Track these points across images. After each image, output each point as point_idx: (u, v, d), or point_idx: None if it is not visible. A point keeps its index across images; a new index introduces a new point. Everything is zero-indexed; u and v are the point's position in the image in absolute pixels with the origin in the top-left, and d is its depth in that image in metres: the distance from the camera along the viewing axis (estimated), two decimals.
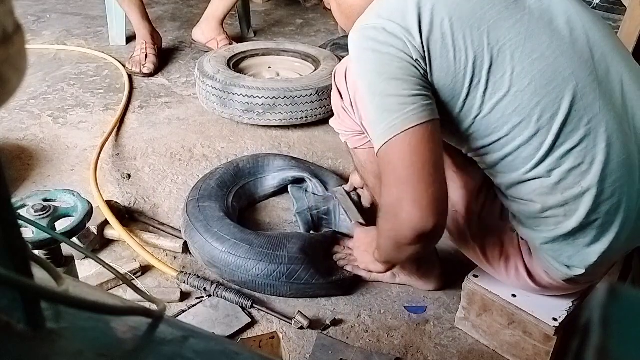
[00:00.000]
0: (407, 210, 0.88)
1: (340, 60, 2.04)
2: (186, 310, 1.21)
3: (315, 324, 1.19)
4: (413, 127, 0.87)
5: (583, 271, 0.98)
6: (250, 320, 1.19)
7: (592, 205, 0.91)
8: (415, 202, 0.87)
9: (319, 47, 2.36)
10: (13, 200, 0.42)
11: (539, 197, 0.93)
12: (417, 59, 0.89)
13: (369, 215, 1.44)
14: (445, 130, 0.96)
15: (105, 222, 1.38)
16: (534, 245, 1.01)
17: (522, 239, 1.04)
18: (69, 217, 0.92)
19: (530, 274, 1.06)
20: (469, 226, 1.08)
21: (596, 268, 0.99)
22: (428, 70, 0.90)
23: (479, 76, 0.89)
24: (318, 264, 1.26)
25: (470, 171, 1.06)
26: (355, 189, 1.48)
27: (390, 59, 0.89)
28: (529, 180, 0.93)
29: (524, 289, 1.10)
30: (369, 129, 0.97)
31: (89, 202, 0.95)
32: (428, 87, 0.90)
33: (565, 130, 0.89)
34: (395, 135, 0.87)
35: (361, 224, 1.36)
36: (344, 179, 1.58)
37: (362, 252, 1.25)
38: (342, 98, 1.13)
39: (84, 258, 1.29)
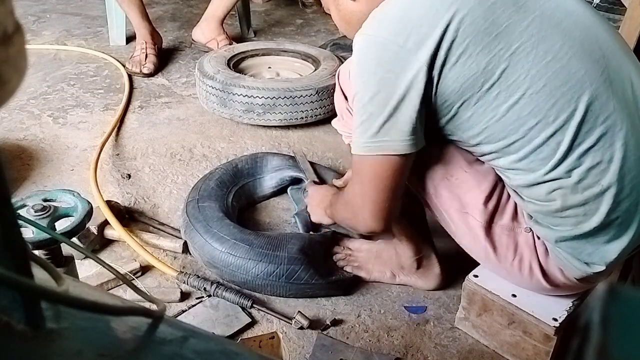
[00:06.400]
0: (364, 217, 1.04)
1: (340, 60, 2.05)
2: (186, 310, 1.21)
3: (315, 324, 1.19)
4: (384, 155, 0.96)
5: (603, 268, 0.98)
6: (250, 320, 1.19)
7: (612, 204, 0.92)
8: (372, 213, 1.03)
9: (319, 47, 2.36)
10: (13, 200, 0.42)
11: (558, 197, 0.93)
12: (418, 75, 0.89)
13: None
14: (457, 136, 0.97)
15: (105, 222, 1.38)
16: (552, 243, 1.01)
17: (539, 238, 1.04)
18: (69, 217, 0.92)
19: (545, 274, 1.05)
20: (481, 227, 1.07)
21: (614, 265, 0.99)
22: (435, 79, 0.90)
23: (492, 80, 0.89)
24: (317, 264, 1.26)
25: (482, 172, 1.05)
26: None
27: (386, 85, 0.91)
28: (548, 181, 0.93)
29: (536, 289, 1.09)
30: (352, 129, 1.01)
31: (89, 202, 0.95)
32: (417, 118, 0.92)
33: (583, 129, 0.89)
34: (368, 154, 0.97)
35: (315, 182, 1.49)
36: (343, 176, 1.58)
37: (314, 206, 1.37)
38: (346, 99, 1.13)
39: (84, 258, 1.29)
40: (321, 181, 1.54)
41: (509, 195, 1.04)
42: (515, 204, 1.04)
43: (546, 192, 0.94)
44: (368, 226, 1.05)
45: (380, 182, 0.99)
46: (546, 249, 1.03)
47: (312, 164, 1.63)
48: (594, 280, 1.03)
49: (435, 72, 0.90)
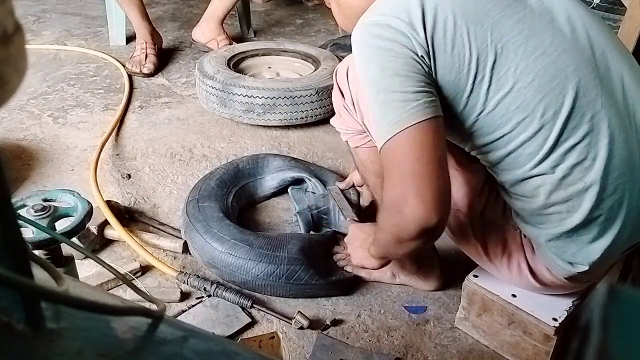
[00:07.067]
0: (412, 205, 0.88)
1: (340, 60, 2.05)
2: (186, 310, 1.21)
3: (315, 324, 1.19)
4: (417, 123, 0.87)
5: (587, 268, 0.98)
6: (250, 320, 1.19)
7: (595, 201, 0.92)
8: (419, 197, 0.87)
9: (319, 47, 2.36)
10: (13, 200, 0.42)
11: (543, 194, 0.94)
12: (421, 55, 0.89)
13: (367, 213, 1.47)
14: (449, 128, 0.97)
15: (105, 222, 1.38)
16: (538, 242, 1.01)
17: (525, 236, 1.04)
18: (69, 217, 0.92)
19: (532, 272, 1.06)
20: (471, 224, 1.08)
21: (599, 265, 0.99)
22: (432, 67, 0.90)
23: (483, 72, 0.89)
24: (318, 264, 1.26)
25: (472, 169, 1.06)
26: (353, 186, 1.50)
27: (394, 55, 0.90)
28: (533, 176, 0.93)
29: (526, 287, 1.10)
30: (371, 124, 0.97)
31: (89, 202, 0.95)
32: (432, 84, 0.91)
33: (569, 126, 0.90)
34: (399, 131, 0.87)
35: (355, 220, 1.38)
36: (344, 178, 1.58)
37: (356, 247, 1.24)
38: (343, 97, 1.13)
39: (84, 258, 1.29)
40: (359, 215, 1.43)
41: (498, 193, 1.05)
42: (505, 202, 1.04)
43: (531, 189, 0.95)
44: (418, 217, 0.88)
45: (419, 158, 0.87)
46: (533, 247, 1.04)
47: (346, 196, 1.50)
48: (583, 280, 1.03)
49: (432, 62, 0.90)
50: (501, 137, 0.93)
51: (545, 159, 0.91)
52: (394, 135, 0.88)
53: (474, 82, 0.90)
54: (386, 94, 0.89)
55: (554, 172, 0.92)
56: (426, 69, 0.90)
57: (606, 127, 0.90)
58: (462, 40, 0.89)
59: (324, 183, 1.54)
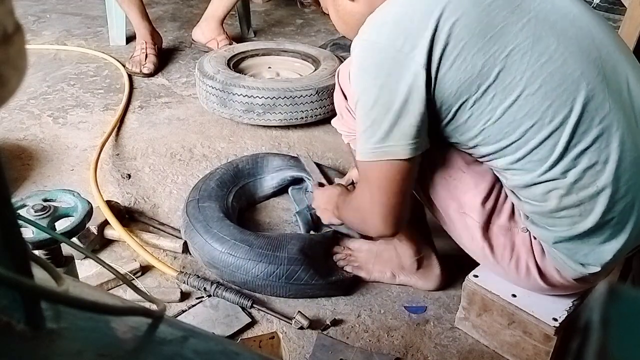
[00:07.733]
0: (374, 222, 1.04)
1: (340, 60, 2.05)
2: (186, 310, 1.21)
3: (315, 324, 1.19)
4: (393, 160, 0.95)
5: (599, 269, 0.98)
6: (250, 320, 1.19)
7: (607, 205, 0.92)
8: (382, 218, 1.02)
9: (319, 47, 2.36)
10: (13, 200, 0.42)
11: (554, 198, 0.94)
12: (417, 77, 0.89)
13: None
14: (455, 138, 0.98)
15: (105, 222, 1.38)
16: (548, 244, 1.01)
17: (535, 238, 1.04)
18: (69, 217, 0.92)
19: (541, 274, 1.05)
20: (478, 227, 1.07)
21: (610, 266, 0.99)
22: (432, 81, 0.90)
23: (488, 83, 0.89)
24: (318, 264, 1.26)
25: (480, 172, 1.05)
26: (352, 183, 1.50)
27: (388, 91, 0.91)
28: (544, 181, 0.93)
29: (532, 288, 1.09)
30: (357, 136, 1.00)
31: (89, 202, 0.95)
32: (421, 120, 0.92)
33: (579, 131, 0.89)
34: (375, 160, 0.97)
35: (321, 184, 1.47)
36: (344, 175, 1.58)
37: (322, 209, 1.34)
38: (345, 98, 1.13)
39: (84, 258, 1.29)
40: (328, 182, 1.52)
41: (506, 196, 1.05)
42: (513, 204, 1.04)
43: (542, 193, 0.94)
44: (379, 231, 1.06)
45: (389, 186, 0.98)
46: (543, 249, 1.03)
47: (318, 165, 1.61)
48: (590, 280, 1.03)
49: (432, 74, 0.90)
50: (509, 144, 0.93)
51: (555, 165, 0.91)
52: (369, 161, 0.98)
53: (477, 92, 0.90)
54: (372, 122, 0.95)
55: (565, 176, 0.92)
56: (420, 97, 0.90)
57: (615, 130, 0.90)
58: (465, 52, 0.88)
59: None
